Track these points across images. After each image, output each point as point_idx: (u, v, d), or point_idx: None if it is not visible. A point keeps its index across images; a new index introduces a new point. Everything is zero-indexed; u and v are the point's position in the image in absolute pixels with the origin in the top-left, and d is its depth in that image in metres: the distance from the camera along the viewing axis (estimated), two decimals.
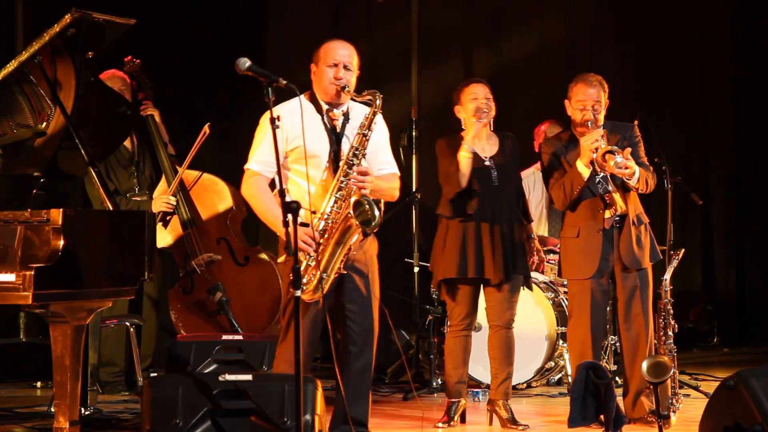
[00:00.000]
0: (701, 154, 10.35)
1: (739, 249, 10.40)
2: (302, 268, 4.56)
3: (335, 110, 4.76)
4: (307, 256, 4.55)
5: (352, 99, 4.76)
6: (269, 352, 5.95)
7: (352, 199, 4.59)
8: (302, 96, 4.70)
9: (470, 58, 9.61)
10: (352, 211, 4.55)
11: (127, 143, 6.95)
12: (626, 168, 5.43)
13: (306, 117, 4.61)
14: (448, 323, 5.81)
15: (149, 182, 6.99)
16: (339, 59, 4.73)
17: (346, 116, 4.78)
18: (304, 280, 4.55)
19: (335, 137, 4.72)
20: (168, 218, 6.83)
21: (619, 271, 5.64)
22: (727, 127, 10.40)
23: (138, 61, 7.01)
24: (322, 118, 4.73)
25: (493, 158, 5.65)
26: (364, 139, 4.68)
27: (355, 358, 4.73)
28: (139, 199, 6.87)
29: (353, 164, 4.65)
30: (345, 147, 4.73)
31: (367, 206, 4.54)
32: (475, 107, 5.55)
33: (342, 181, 4.63)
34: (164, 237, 6.87)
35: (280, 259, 4.68)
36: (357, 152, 4.66)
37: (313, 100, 4.76)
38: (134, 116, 5.92)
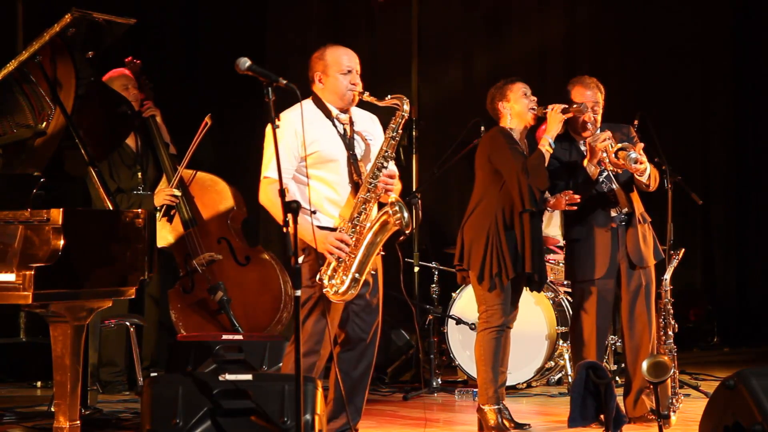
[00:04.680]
0: (701, 154, 10.36)
1: (739, 249, 10.41)
2: (329, 271, 4.62)
3: (342, 115, 4.81)
4: (337, 259, 4.60)
5: (374, 103, 4.79)
6: (269, 352, 5.96)
7: (392, 197, 4.65)
8: (308, 101, 4.76)
9: (470, 58, 9.61)
10: (391, 210, 4.60)
11: (131, 143, 6.95)
12: (641, 163, 5.45)
13: (317, 122, 4.72)
14: (493, 322, 5.43)
15: (152, 181, 7.00)
16: (352, 65, 4.80)
17: (351, 121, 4.85)
18: (334, 282, 4.60)
19: (347, 142, 4.77)
20: (172, 212, 6.84)
21: (625, 269, 5.64)
22: (727, 126, 10.41)
23: (138, 61, 7.02)
24: (333, 123, 4.78)
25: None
26: (393, 143, 4.74)
27: (359, 354, 4.78)
28: (140, 193, 6.88)
29: (383, 167, 4.71)
30: (357, 151, 4.80)
31: (400, 207, 4.60)
32: (529, 103, 5.50)
33: (371, 183, 4.68)
34: (165, 236, 6.88)
35: (301, 259, 4.70)
36: (386, 155, 4.73)
37: (320, 105, 4.79)
38: (134, 116, 5.91)
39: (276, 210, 4.71)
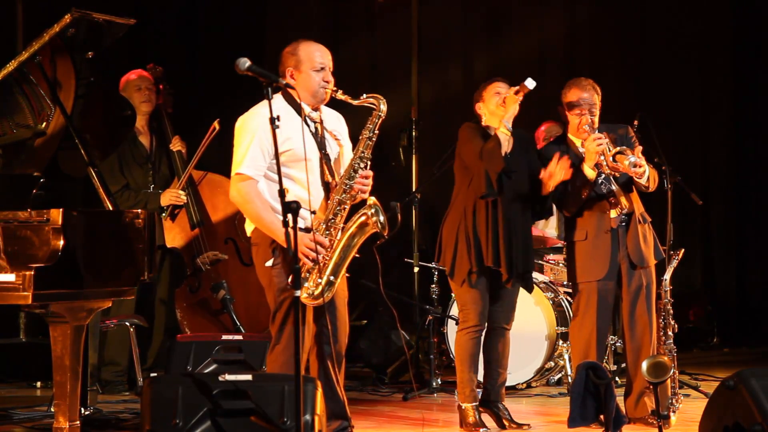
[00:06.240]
0: (701, 154, 10.35)
1: (739, 249, 10.40)
2: (304, 273, 4.54)
3: (313, 113, 4.71)
4: (312, 262, 4.51)
5: (348, 102, 4.71)
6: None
7: (371, 200, 4.58)
8: (278, 96, 4.63)
9: (470, 58, 9.61)
10: (369, 212, 4.55)
11: (144, 141, 6.98)
12: (639, 167, 5.45)
13: (290, 119, 4.56)
14: (468, 322, 5.50)
15: (165, 180, 7.02)
16: (325, 62, 4.68)
17: (322, 120, 4.75)
18: (308, 285, 4.52)
19: (319, 141, 4.68)
20: (176, 212, 6.86)
21: (626, 269, 5.64)
22: (726, 126, 10.40)
23: (160, 68, 7.04)
24: (306, 122, 4.64)
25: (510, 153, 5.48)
26: (369, 143, 4.66)
27: (330, 355, 4.70)
28: (147, 191, 6.89)
29: (358, 168, 4.63)
30: (329, 150, 4.71)
31: (376, 210, 4.56)
32: (498, 100, 5.51)
33: (346, 185, 4.61)
34: (174, 237, 6.90)
35: (268, 263, 4.61)
36: (362, 156, 4.63)
37: (291, 102, 4.65)
38: (134, 116, 5.91)
39: (248, 208, 4.59)
